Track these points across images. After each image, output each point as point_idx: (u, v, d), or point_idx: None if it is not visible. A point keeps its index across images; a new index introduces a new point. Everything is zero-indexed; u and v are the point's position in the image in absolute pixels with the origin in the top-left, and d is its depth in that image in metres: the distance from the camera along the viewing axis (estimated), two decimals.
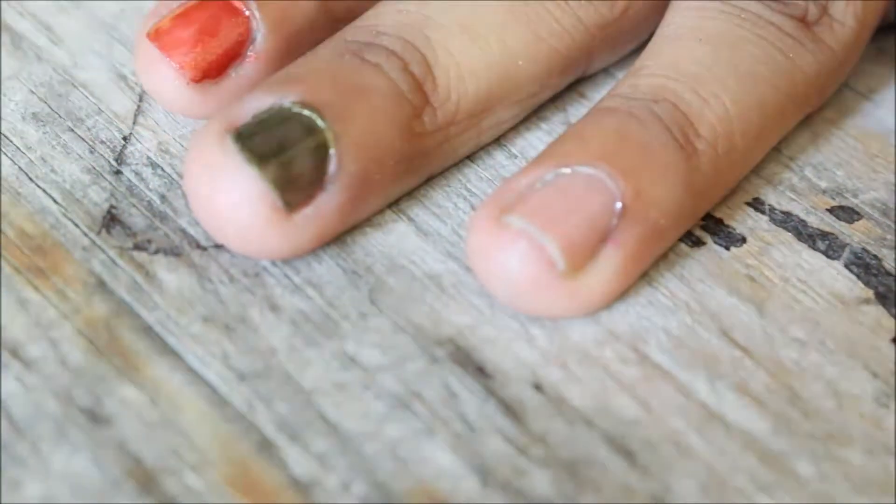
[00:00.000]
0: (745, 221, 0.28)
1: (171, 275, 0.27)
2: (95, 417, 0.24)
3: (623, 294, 0.27)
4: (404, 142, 0.27)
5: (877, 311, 0.27)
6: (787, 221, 0.29)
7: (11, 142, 0.29)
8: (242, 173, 0.25)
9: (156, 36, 0.28)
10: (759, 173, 0.29)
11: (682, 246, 0.28)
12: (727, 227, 0.28)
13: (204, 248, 0.27)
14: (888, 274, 0.28)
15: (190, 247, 0.27)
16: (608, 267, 0.26)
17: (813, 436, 0.25)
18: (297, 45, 0.28)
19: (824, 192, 0.29)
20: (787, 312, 0.27)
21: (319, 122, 0.26)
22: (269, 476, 0.24)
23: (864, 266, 0.28)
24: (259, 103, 0.26)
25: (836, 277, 0.27)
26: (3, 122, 0.29)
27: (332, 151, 0.26)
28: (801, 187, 0.29)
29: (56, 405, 0.24)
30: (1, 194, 0.28)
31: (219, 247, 0.27)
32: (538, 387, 0.25)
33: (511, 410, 0.25)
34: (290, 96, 0.26)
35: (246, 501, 0.23)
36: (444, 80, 0.27)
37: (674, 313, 0.27)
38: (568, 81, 0.30)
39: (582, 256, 0.25)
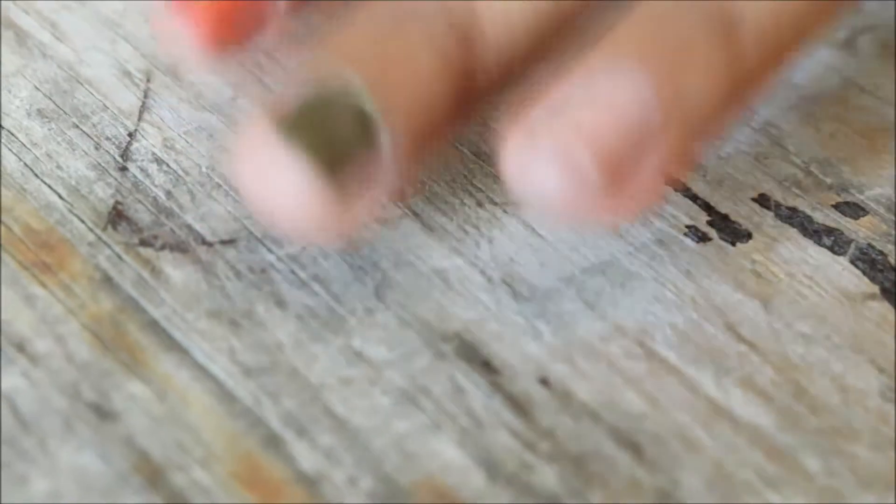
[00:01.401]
0: (751, 217, 0.28)
1: (177, 270, 0.27)
2: (102, 413, 0.24)
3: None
4: (456, 98, 0.26)
5: (882, 307, 0.27)
6: (792, 217, 0.29)
7: (17, 138, 0.29)
8: (294, 168, 0.24)
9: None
10: (764, 169, 0.29)
11: (688, 242, 0.28)
12: (733, 222, 0.28)
13: (210, 244, 0.27)
14: (894, 269, 0.28)
15: (196, 242, 0.27)
16: (649, 174, 0.25)
17: (819, 430, 0.25)
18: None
19: (830, 188, 0.29)
20: (792, 308, 0.27)
21: (367, 102, 0.25)
22: (276, 470, 0.24)
23: (870, 262, 0.28)
24: (302, 88, 0.25)
25: (842, 273, 0.28)
26: (8, 119, 0.29)
27: (383, 129, 0.25)
28: (806, 183, 0.29)
29: (63, 400, 0.24)
30: (6, 190, 0.28)
31: (225, 242, 0.27)
32: (545, 382, 0.25)
33: (518, 405, 0.25)
34: (333, 76, 0.25)
35: (253, 496, 0.23)
36: (490, 30, 0.26)
37: (680, 309, 0.27)
38: None
39: (620, 168, 0.24)
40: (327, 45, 0.26)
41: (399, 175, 0.25)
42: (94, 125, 0.29)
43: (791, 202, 0.29)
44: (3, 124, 0.29)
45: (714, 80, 0.25)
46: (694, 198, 0.29)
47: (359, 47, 0.26)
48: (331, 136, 0.25)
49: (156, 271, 0.27)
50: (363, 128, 0.25)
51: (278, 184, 0.24)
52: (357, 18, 0.26)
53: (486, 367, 0.25)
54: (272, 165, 0.24)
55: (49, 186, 0.28)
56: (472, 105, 0.27)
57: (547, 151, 0.24)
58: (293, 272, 0.27)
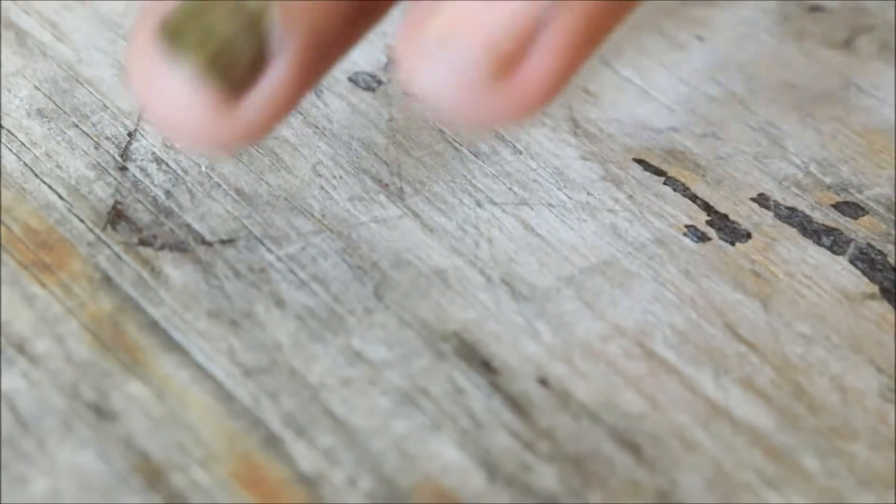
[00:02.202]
0: (750, 217, 0.28)
1: (176, 270, 0.27)
2: (101, 412, 0.24)
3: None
4: None
5: (881, 307, 0.27)
6: (792, 217, 0.29)
7: (16, 138, 0.29)
8: (176, 73, 0.23)
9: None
10: (763, 169, 0.29)
11: (688, 241, 0.28)
12: (732, 222, 0.28)
13: (209, 244, 0.27)
14: (893, 269, 0.28)
15: (195, 242, 0.27)
16: (545, 59, 0.23)
17: (818, 430, 0.25)
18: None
19: (829, 187, 0.29)
20: (792, 308, 0.27)
21: None
22: (275, 471, 0.24)
23: (869, 261, 0.28)
24: None
25: (841, 273, 0.28)
26: (8, 118, 0.29)
27: (270, 21, 0.23)
28: (805, 183, 0.29)
29: (62, 400, 0.24)
30: (6, 190, 0.28)
31: (224, 242, 0.27)
32: (544, 382, 0.25)
33: (517, 405, 0.25)
34: None
35: (252, 496, 0.23)
36: None
37: (679, 308, 0.27)
38: None
39: (512, 57, 0.23)
40: None
41: (299, 70, 0.24)
42: (93, 125, 0.30)
43: (790, 202, 0.29)
44: (3, 124, 0.29)
45: None
46: (693, 197, 0.29)
47: None
48: (214, 37, 0.23)
49: (155, 271, 0.27)
50: (250, 25, 0.23)
51: (164, 90, 0.23)
52: None
53: (485, 367, 0.25)
54: (157, 72, 0.23)
55: (49, 186, 0.28)
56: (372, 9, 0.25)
57: (433, 48, 0.23)
58: (292, 272, 0.27)
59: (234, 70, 0.23)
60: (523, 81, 0.23)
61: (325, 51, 0.24)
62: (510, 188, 0.29)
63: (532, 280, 0.27)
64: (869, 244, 0.28)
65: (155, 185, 0.28)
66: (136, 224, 0.27)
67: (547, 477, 0.24)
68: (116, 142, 0.29)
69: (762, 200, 0.29)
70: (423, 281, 0.27)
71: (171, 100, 0.23)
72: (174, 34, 0.24)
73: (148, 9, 0.24)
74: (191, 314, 0.26)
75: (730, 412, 0.25)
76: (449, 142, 0.30)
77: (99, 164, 0.29)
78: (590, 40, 0.24)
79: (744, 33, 0.34)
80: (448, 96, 0.23)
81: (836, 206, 0.29)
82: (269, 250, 0.27)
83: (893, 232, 0.28)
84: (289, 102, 0.24)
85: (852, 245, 0.28)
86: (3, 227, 0.27)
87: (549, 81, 0.23)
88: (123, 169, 0.29)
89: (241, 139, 0.24)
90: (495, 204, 0.28)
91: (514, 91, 0.23)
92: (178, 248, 0.27)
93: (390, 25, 0.33)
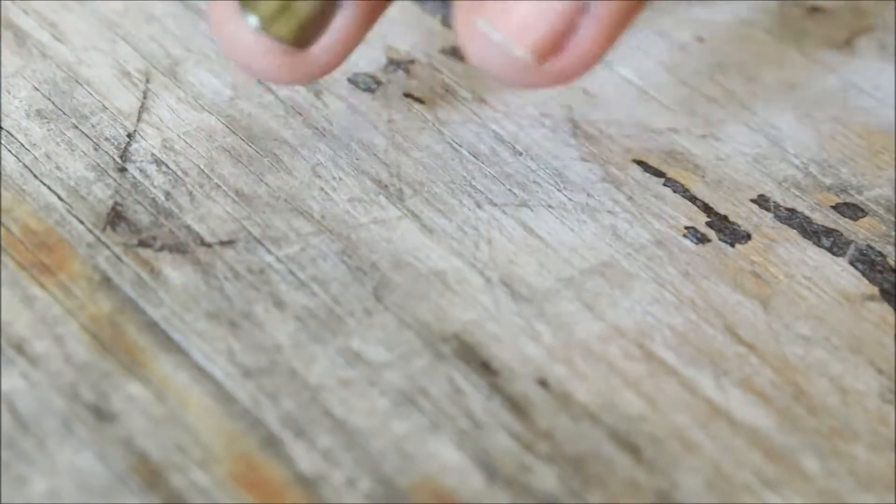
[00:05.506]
0: (750, 218, 0.28)
1: (176, 271, 0.27)
2: (101, 413, 0.24)
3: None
4: None
5: (881, 308, 0.27)
6: (791, 218, 0.29)
7: (16, 139, 0.29)
8: (246, 25, 0.26)
9: None
10: (763, 170, 0.29)
11: (687, 243, 0.28)
12: (732, 223, 0.28)
13: (209, 245, 0.27)
14: (893, 270, 0.28)
15: (195, 243, 0.27)
16: (586, 39, 0.26)
17: (818, 432, 0.25)
18: None
19: (829, 188, 0.29)
20: (791, 309, 0.27)
21: None
22: (274, 472, 0.24)
23: (869, 263, 0.28)
24: None
25: (841, 274, 0.28)
26: (7, 119, 0.29)
27: None
28: (805, 184, 0.29)
29: (61, 401, 0.24)
30: (5, 191, 0.28)
31: (224, 243, 0.27)
32: (543, 383, 0.25)
33: (516, 406, 0.25)
34: None
35: (252, 497, 0.23)
36: None
37: (679, 310, 0.27)
38: None
39: (554, 46, 0.26)
40: None
41: (358, 20, 0.27)
42: (93, 126, 0.29)
43: (790, 203, 0.29)
44: (2, 125, 0.29)
45: None
46: (693, 199, 0.29)
47: None
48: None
49: (155, 272, 0.27)
50: None
51: (238, 37, 0.26)
52: None
53: (484, 368, 0.25)
54: (230, 20, 0.26)
55: (48, 187, 0.28)
56: None
57: (483, 41, 0.26)
58: (292, 273, 0.27)
59: (300, 25, 0.26)
60: (565, 59, 0.26)
61: None
62: (510, 189, 0.29)
63: (532, 281, 0.27)
64: (869, 245, 0.28)
65: (154, 187, 0.28)
66: (136, 225, 0.27)
67: (546, 478, 0.24)
68: (116, 143, 0.29)
69: (762, 201, 0.29)
70: (423, 282, 0.27)
71: (244, 47, 0.27)
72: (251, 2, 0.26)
73: None
74: (190, 315, 0.26)
75: (729, 413, 0.25)
76: (448, 143, 0.30)
77: (98, 165, 0.29)
78: (626, 20, 0.26)
79: (744, 33, 0.34)
80: (497, 71, 0.26)
81: (836, 208, 0.29)
82: (269, 251, 0.27)
83: (893, 233, 0.28)
84: (354, 43, 0.27)
85: (852, 246, 0.28)
86: (2, 229, 0.27)
87: (588, 59, 0.26)
88: (123, 170, 0.29)
89: (312, 78, 0.27)
90: (495, 205, 0.28)
91: (557, 67, 0.26)
92: (178, 249, 0.27)
93: (390, 27, 0.33)
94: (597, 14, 0.25)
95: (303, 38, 0.26)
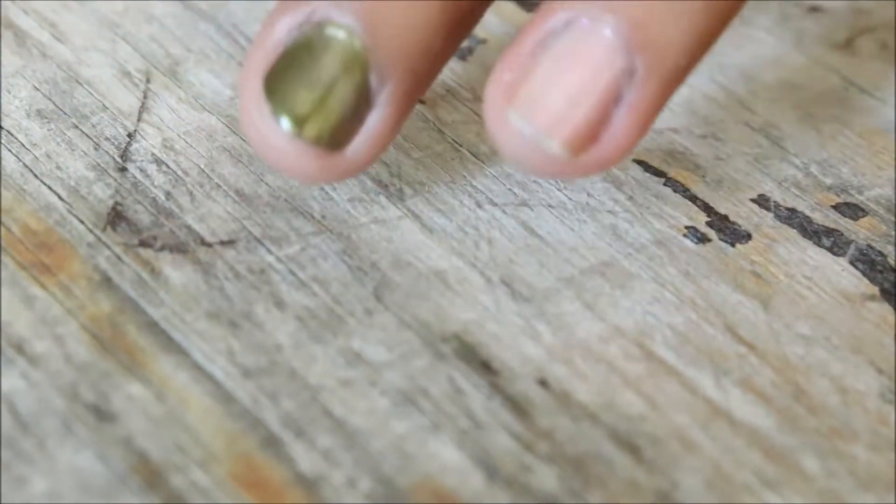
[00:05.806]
0: (751, 218, 0.28)
1: (176, 271, 0.27)
2: (101, 413, 0.24)
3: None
4: (447, 19, 0.25)
5: (882, 308, 0.27)
6: (792, 218, 0.29)
7: (16, 138, 0.29)
8: (279, 127, 0.25)
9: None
10: (763, 170, 0.29)
11: (688, 242, 0.28)
12: (732, 223, 0.28)
13: (209, 245, 0.27)
14: (893, 270, 0.28)
15: (195, 243, 0.27)
16: (621, 129, 0.25)
17: (818, 432, 0.25)
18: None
19: (829, 188, 0.29)
20: (792, 309, 0.27)
21: (353, 42, 0.25)
22: (274, 472, 0.24)
23: (870, 262, 0.28)
24: (283, 27, 0.25)
25: (841, 274, 0.28)
26: (7, 119, 0.29)
27: (371, 74, 0.25)
28: (805, 184, 0.29)
29: (61, 401, 0.24)
30: (5, 191, 0.28)
31: (224, 243, 0.27)
32: (544, 383, 0.25)
33: (517, 406, 0.25)
34: (314, 13, 0.25)
35: (252, 497, 0.23)
36: None
37: (679, 309, 0.27)
38: None
39: (589, 138, 0.25)
40: None
41: (397, 108, 0.26)
42: (93, 125, 0.29)
43: (790, 203, 0.29)
44: (2, 125, 0.29)
45: (691, 21, 0.25)
46: (693, 198, 0.29)
47: None
48: (311, 98, 0.25)
49: (155, 272, 0.27)
50: (352, 79, 0.25)
51: (270, 137, 0.25)
52: None
53: (485, 368, 0.25)
54: (263, 121, 0.25)
55: (48, 187, 0.28)
56: (463, 26, 0.26)
57: (516, 133, 0.25)
58: (292, 273, 0.27)
59: (332, 127, 0.25)
60: (601, 150, 0.25)
61: (422, 83, 0.26)
62: (510, 189, 0.29)
63: (532, 281, 0.27)
64: (869, 245, 0.28)
65: (155, 187, 0.28)
66: (136, 225, 0.27)
67: (546, 478, 0.24)
68: (116, 143, 0.29)
69: (762, 201, 0.29)
70: (423, 282, 0.27)
71: (276, 148, 0.25)
72: (275, 91, 0.25)
73: (254, 57, 0.26)
74: (190, 315, 0.26)
75: (730, 413, 0.25)
76: (449, 142, 0.30)
77: (99, 165, 0.29)
78: (661, 104, 0.25)
79: (744, 33, 0.34)
80: (531, 164, 0.25)
81: (837, 207, 0.29)
82: (269, 251, 0.27)
83: (894, 233, 0.28)
84: (388, 140, 0.26)
85: (852, 246, 0.28)
86: (2, 228, 0.27)
87: (624, 148, 0.25)
88: (123, 170, 0.29)
89: (347, 176, 0.26)
90: (495, 205, 0.28)
91: (592, 158, 0.25)
92: (178, 249, 0.27)
93: None
94: (631, 102, 0.25)
95: (336, 140, 0.25)
